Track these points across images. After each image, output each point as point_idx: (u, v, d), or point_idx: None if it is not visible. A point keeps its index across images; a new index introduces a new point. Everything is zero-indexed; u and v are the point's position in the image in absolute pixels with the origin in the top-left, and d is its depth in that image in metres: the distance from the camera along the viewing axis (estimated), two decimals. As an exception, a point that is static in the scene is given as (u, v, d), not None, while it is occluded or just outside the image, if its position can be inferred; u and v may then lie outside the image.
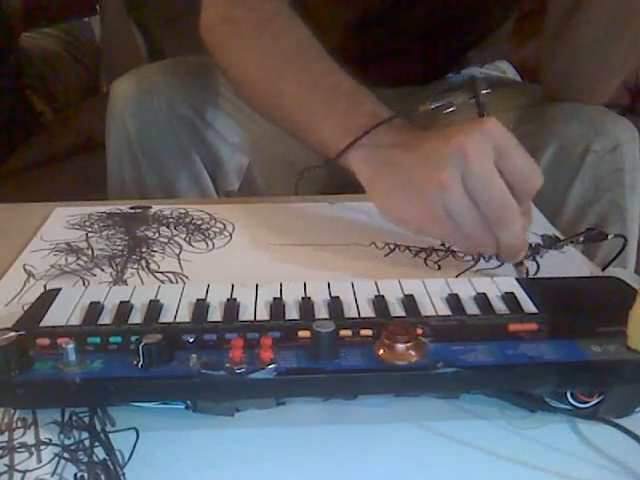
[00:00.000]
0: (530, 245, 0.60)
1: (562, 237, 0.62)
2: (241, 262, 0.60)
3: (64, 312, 0.45)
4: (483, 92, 0.59)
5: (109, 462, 0.37)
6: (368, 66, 0.91)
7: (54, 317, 0.44)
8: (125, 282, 0.56)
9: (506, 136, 0.52)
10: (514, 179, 0.51)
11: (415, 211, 0.54)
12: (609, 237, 0.62)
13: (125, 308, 0.45)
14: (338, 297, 0.46)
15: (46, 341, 0.40)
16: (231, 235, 0.65)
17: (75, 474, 0.36)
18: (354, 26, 0.90)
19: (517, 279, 0.49)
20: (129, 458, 0.37)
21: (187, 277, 0.57)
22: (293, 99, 0.65)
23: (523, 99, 0.88)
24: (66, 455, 0.37)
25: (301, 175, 0.69)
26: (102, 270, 0.58)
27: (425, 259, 0.60)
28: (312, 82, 0.64)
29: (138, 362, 0.37)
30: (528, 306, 0.45)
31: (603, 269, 0.62)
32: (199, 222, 0.68)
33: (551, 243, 0.60)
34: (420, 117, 0.61)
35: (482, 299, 0.46)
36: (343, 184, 0.88)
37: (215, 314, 0.44)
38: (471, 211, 0.51)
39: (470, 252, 0.59)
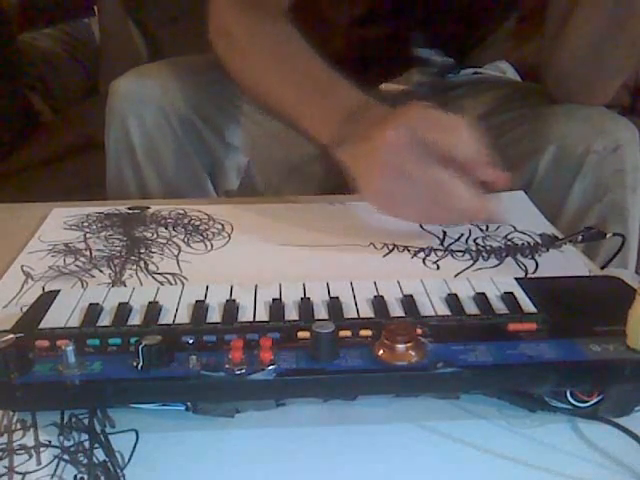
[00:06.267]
0: (529, 244, 0.60)
1: (561, 236, 0.62)
2: (240, 263, 0.59)
3: (63, 314, 0.45)
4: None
5: (109, 464, 0.37)
6: (369, 64, 0.91)
7: (53, 319, 0.44)
8: (124, 283, 0.55)
9: (422, 116, 0.59)
10: (446, 150, 0.58)
11: (374, 196, 0.62)
12: (607, 236, 0.62)
13: (124, 309, 0.45)
14: (337, 298, 0.46)
15: (45, 343, 0.40)
16: (230, 236, 0.65)
17: (75, 476, 0.36)
18: (355, 26, 0.90)
19: (516, 279, 0.49)
20: (129, 460, 0.37)
21: (186, 278, 0.57)
22: (282, 99, 0.72)
23: (523, 100, 0.88)
24: (66, 457, 0.37)
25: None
26: (100, 271, 0.58)
27: (424, 259, 0.60)
28: (295, 82, 0.71)
29: (138, 363, 0.37)
30: (527, 306, 0.45)
31: (602, 268, 0.62)
32: (197, 223, 0.67)
33: (549, 242, 0.60)
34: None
35: (481, 299, 0.46)
36: (343, 184, 0.88)
37: (214, 315, 0.44)
38: (414, 191, 0.59)
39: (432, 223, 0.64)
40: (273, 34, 0.74)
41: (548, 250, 0.60)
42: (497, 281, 0.49)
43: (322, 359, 0.38)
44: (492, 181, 0.60)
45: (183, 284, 0.55)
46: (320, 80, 0.70)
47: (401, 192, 0.60)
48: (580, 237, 0.61)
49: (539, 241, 0.61)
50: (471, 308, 0.45)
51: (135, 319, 0.44)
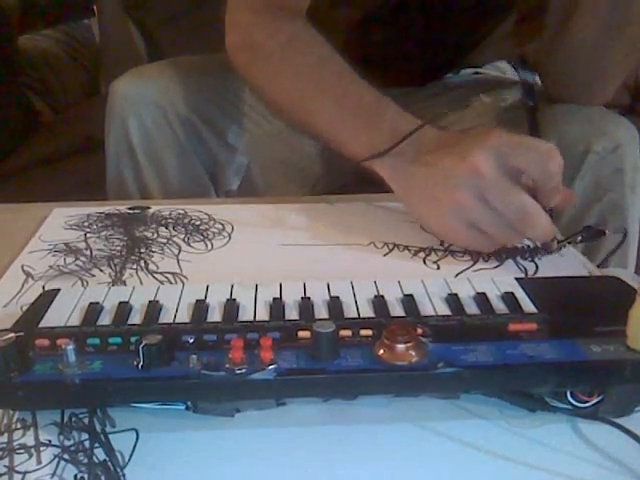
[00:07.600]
0: (528, 247, 0.60)
1: (561, 238, 0.61)
2: (240, 262, 0.59)
3: (63, 313, 0.44)
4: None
5: (109, 463, 0.37)
6: (369, 67, 0.91)
7: (53, 318, 0.44)
8: (124, 283, 0.55)
9: (510, 142, 0.56)
10: (530, 175, 0.55)
11: (439, 224, 0.60)
12: (607, 233, 0.62)
13: (124, 309, 0.45)
14: (338, 297, 0.46)
15: (45, 342, 0.40)
16: (230, 235, 0.65)
17: (75, 475, 0.36)
18: (355, 28, 0.91)
19: (517, 279, 0.49)
20: (129, 459, 0.37)
21: (186, 278, 0.57)
22: (320, 118, 0.68)
23: (523, 99, 0.88)
24: (66, 456, 0.37)
25: (317, 182, 0.71)
26: (101, 271, 0.58)
27: (424, 259, 0.60)
28: (335, 100, 0.67)
29: (138, 363, 0.37)
30: (528, 306, 0.45)
31: (600, 264, 0.62)
32: (198, 222, 0.67)
33: (549, 246, 0.60)
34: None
35: (482, 299, 0.46)
36: (343, 184, 0.89)
37: (215, 314, 0.44)
38: (493, 218, 0.56)
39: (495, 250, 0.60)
40: (304, 49, 0.71)
41: (549, 253, 0.60)
42: (497, 281, 0.49)
43: (322, 359, 0.38)
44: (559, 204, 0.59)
45: (183, 283, 0.55)
46: (363, 98, 0.66)
47: (478, 220, 0.56)
48: (579, 237, 0.61)
49: (539, 245, 0.61)
50: (472, 308, 0.45)
51: (135, 318, 0.44)
